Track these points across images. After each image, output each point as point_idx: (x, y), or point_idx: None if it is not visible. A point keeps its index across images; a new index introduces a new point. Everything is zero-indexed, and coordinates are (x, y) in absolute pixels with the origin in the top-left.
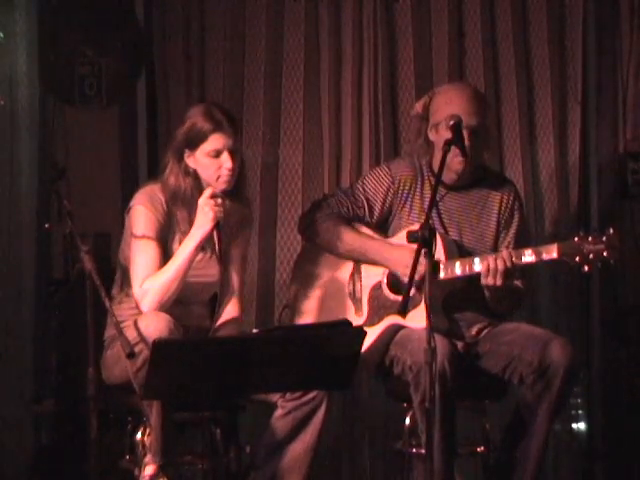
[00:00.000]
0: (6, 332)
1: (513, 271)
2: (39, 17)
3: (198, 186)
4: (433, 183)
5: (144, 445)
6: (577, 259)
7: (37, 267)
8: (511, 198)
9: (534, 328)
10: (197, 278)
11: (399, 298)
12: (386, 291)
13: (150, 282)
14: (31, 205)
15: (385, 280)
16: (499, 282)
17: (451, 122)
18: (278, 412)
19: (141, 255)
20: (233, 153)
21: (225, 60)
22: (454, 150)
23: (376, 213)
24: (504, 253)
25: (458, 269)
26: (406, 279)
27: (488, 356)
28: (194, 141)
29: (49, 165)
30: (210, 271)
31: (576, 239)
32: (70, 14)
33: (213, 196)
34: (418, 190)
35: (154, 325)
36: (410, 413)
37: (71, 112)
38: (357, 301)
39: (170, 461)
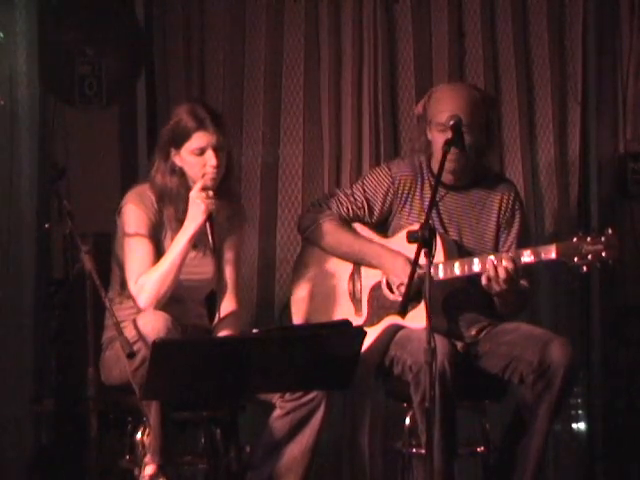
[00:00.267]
0: (6, 332)
1: (517, 273)
2: (39, 17)
3: (185, 184)
4: (432, 183)
5: (144, 445)
6: (575, 259)
7: (37, 267)
8: (511, 198)
9: (534, 328)
10: (192, 275)
11: (399, 298)
12: (386, 291)
13: (145, 277)
14: (31, 205)
15: (385, 280)
16: (504, 287)
17: (451, 122)
18: (276, 412)
19: (134, 253)
20: (217, 150)
21: (225, 60)
22: (453, 150)
23: (376, 213)
24: (504, 256)
25: (457, 269)
26: (395, 286)
27: (488, 356)
28: (179, 139)
29: (49, 165)
30: (205, 268)
31: (575, 239)
32: (70, 14)
33: (204, 189)
34: (418, 190)
35: (152, 324)
36: (410, 413)
37: (71, 112)
38: (357, 301)
39: (170, 461)
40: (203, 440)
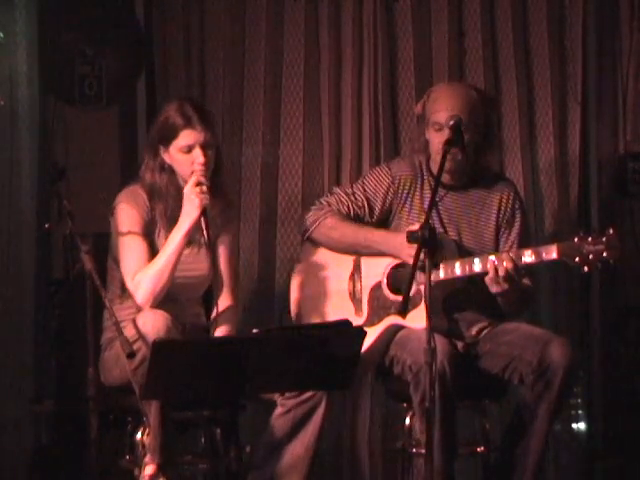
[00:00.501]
0: (6, 332)
1: (518, 272)
2: (39, 17)
3: (174, 182)
4: (431, 183)
5: (144, 445)
6: (577, 260)
7: (37, 267)
8: (511, 198)
9: (534, 328)
10: (188, 272)
11: (399, 298)
12: (386, 291)
13: (142, 274)
14: (31, 205)
15: (385, 280)
16: (505, 286)
17: (451, 122)
18: (278, 410)
19: (129, 251)
20: (205, 148)
21: (225, 60)
22: (451, 150)
23: (376, 213)
24: (504, 256)
25: (458, 269)
26: (409, 258)
27: (488, 356)
28: (167, 137)
29: (49, 165)
30: (200, 265)
31: (576, 239)
32: (70, 14)
33: (198, 184)
34: (418, 190)
35: (152, 322)
36: (410, 413)
37: (71, 112)
38: (357, 301)
39: (170, 461)
40: (203, 440)
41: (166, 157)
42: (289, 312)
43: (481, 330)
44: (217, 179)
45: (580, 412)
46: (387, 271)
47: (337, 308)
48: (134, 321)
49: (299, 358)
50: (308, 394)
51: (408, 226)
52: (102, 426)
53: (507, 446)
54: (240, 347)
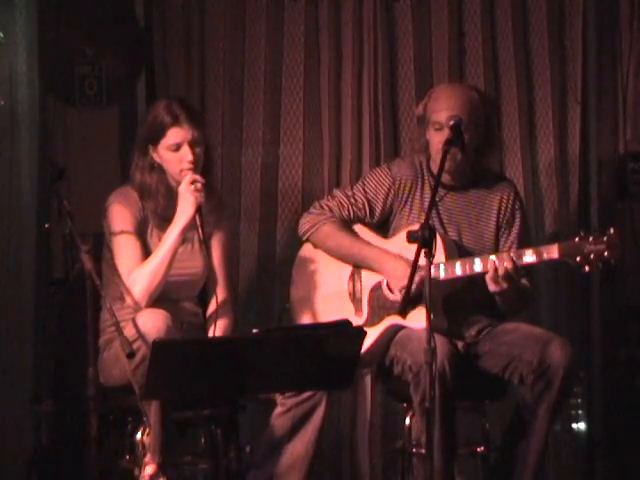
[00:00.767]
0: (6, 332)
1: (517, 272)
2: (39, 17)
3: (164, 180)
4: (432, 183)
5: (144, 445)
6: (578, 259)
7: (37, 267)
8: (511, 198)
9: (534, 328)
10: (182, 270)
11: (399, 298)
12: (386, 291)
13: (137, 271)
14: (31, 205)
15: (385, 280)
16: (505, 286)
17: (451, 122)
18: (278, 410)
19: (123, 250)
20: (193, 146)
21: (225, 60)
22: (452, 150)
23: (377, 214)
24: (505, 256)
25: (458, 269)
26: (397, 290)
27: (488, 356)
28: (155, 136)
29: (49, 165)
30: (195, 262)
31: (577, 239)
32: (70, 14)
33: (193, 182)
34: (418, 191)
35: (152, 322)
36: (410, 413)
37: (71, 112)
38: (357, 301)
39: (170, 461)
40: (203, 440)
41: (155, 156)
42: (289, 312)
43: (481, 330)
44: (207, 177)
45: (580, 412)
46: None
47: (337, 308)
48: (134, 320)
49: (299, 358)
50: (308, 394)
51: (408, 226)
52: (102, 426)
53: (507, 446)
54: (240, 347)
